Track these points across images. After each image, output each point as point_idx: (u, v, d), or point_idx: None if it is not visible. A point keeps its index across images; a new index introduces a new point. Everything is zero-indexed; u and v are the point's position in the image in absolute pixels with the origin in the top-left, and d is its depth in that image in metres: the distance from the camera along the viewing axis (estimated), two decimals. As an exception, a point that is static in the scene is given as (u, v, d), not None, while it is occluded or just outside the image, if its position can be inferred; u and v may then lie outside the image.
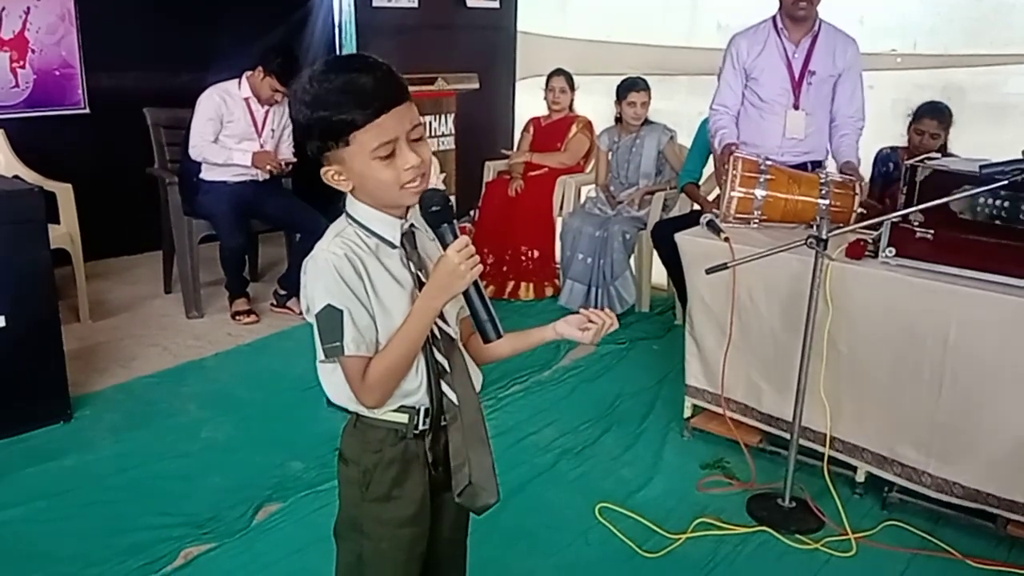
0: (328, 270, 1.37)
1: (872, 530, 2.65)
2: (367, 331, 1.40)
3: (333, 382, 1.47)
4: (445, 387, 1.48)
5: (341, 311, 1.37)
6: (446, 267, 1.37)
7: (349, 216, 1.45)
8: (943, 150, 3.77)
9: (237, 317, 4.29)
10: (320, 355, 1.40)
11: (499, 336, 1.42)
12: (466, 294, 1.40)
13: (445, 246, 1.38)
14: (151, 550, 2.47)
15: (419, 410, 1.48)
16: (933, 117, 3.82)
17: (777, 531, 2.64)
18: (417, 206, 1.41)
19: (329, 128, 1.35)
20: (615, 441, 3.21)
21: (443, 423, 1.49)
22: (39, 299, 3.10)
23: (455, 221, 1.41)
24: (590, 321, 1.55)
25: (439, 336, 1.47)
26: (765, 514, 2.72)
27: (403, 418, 1.48)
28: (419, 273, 1.45)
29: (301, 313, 4.23)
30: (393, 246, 1.44)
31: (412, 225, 1.47)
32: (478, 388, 1.53)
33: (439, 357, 1.47)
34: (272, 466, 2.94)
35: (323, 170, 1.42)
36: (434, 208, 1.39)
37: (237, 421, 3.28)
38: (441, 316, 1.45)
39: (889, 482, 2.76)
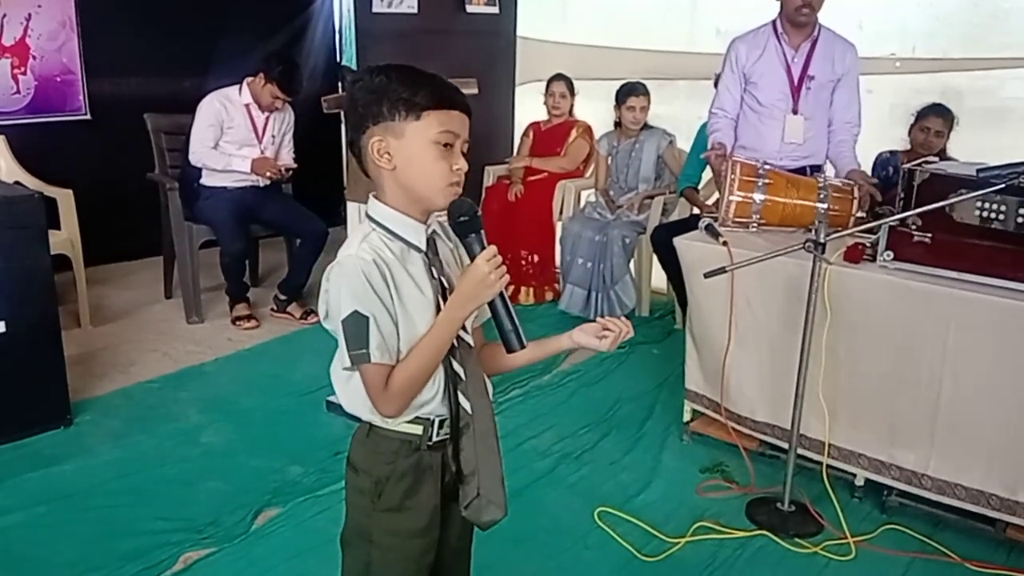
0: (357, 275, 1.36)
1: (872, 534, 2.65)
2: (391, 338, 1.39)
3: (348, 391, 1.46)
4: (460, 396, 1.47)
5: (367, 317, 1.36)
6: (475, 276, 1.37)
7: (372, 220, 1.44)
8: (942, 154, 3.78)
9: (237, 322, 4.30)
10: (345, 362, 1.39)
11: (523, 346, 1.42)
12: (492, 304, 1.40)
13: (472, 256, 1.39)
14: (150, 555, 2.47)
15: (434, 421, 1.47)
16: (938, 115, 3.84)
17: (776, 535, 2.64)
18: (443, 214, 1.42)
19: (406, 99, 1.38)
20: (614, 445, 3.21)
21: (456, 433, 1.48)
22: (39, 304, 3.10)
23: (483, 231, 1.41)
24: (606, 329, 1.54)
25: (457, 345, 1.46)
26: (764, 518, 2.72)
27: (418, 429, 1.48)
28: (441, 279, 1.45)
29: (301, 318, 4.23)
30: (419, 250, 1.44)
31: (435, 231, 1.48)
32: (491, 397, 1.53)
33: (456, 366, 1.47)
34: (271, 471, 2.94)
35: (372, 141, 1.40)
36: (463, 218, 1.40)
37: (237, 426, 3.28)
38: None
39: (888, 485, 2.76)
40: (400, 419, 1.46)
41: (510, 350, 1.43)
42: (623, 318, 1.56)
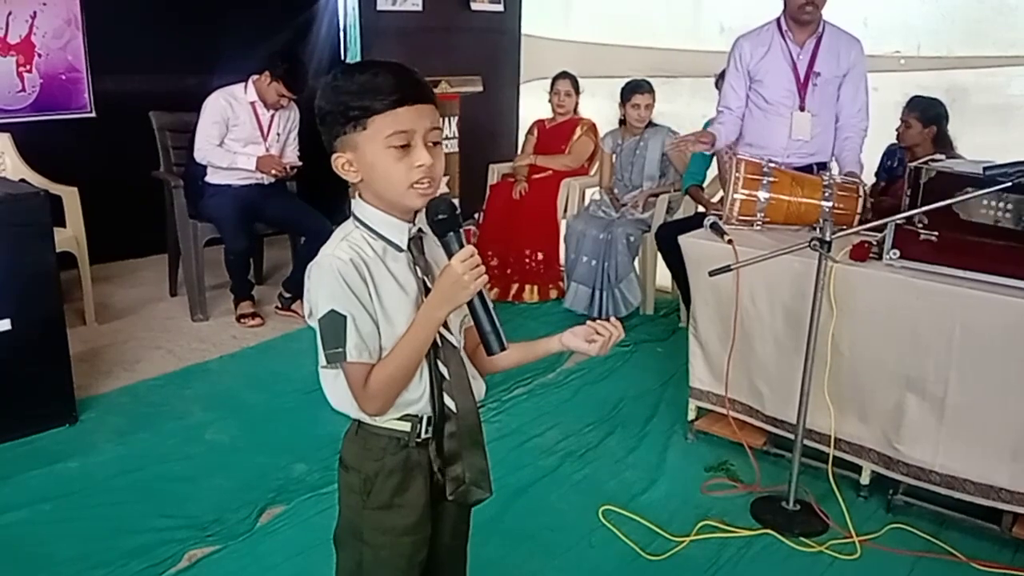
0: (333, 275, 1.36)
1: (877, 533, 2.65)
2: (370, 338, 1.39)
3: (335, 388, 1.47)
4: (444, 395, 1.47)
5: (344, 316, 1.36)
6: (450, 277, 1.36)
7: (356, 219, 1.44)
8: (943, 146, 3.75)
9: (242, 320, 4.30)
10: (322, 360, 1.40)
11: (503, 348, 1.41)
12: (470, 305, 1.39)
13: (450, 255, 1.38)
14: (155, 552, 2.47)
15: (421, 418, 1.47)
16: (913, 109, 3.83)
17: (781, 534, 2.64)
18: (424, 212, 1.42)
19: (348, 110, 1.36)
20: (619, 443, 3.21)
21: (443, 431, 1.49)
22: (45, 302, 3.11)
23: (461, 229, 1.40)
24: (597, 332, 1.53)
25: (440, 344, 1.46)
26: (769, 517, 2.72)
27: (405, 426, 1.48)
28: (426, 279, 1.45)
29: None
30: (400, 250, 1.44)
31: (420, 230, 1.47)
32: (479, 397, 1.52)
33: (440, 365, 1.46)
34: (276, 468, 2.95)
35: (334, 157, 1.41)
36: (440, 216, 1.38)
37: (241, 423, 3.29)
38: (444, 324, 1.44)
39: (894, 484, 2.75)
40: (387, 416, 1.46)
41: (490, 352, 1.42)
42: (613, 320, 1.54)
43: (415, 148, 1.38)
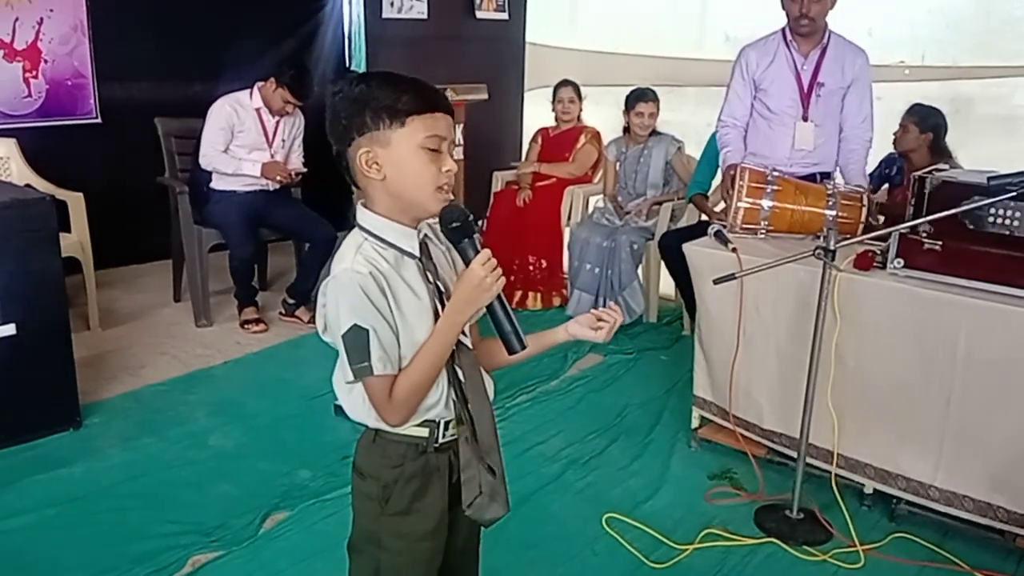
0: (354, 289, 1.36)
1: (880, 542, 2.64)
2: (391, 348, 1.39)
3: (352, 400, 1.47)
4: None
5: (367, 330, 1.36)
6: (472, 280, 1.37)
7: (363, 229, 1.44)
8: (940, 155, 3.75)
9: (246, 326, 4.31)
10: (348, 376, 1.39)
11: (523, 347, 1.43)
12: (490, 307, 1.41)
13: (467, 261, 1.39)
14: (159, 558, 2.48)
15: (439, 423, 1.48)
16: (913, 114, 3.85)
17: (785, 542, 2.63)
18: (434, 220, 1.43)
19: (388, 107, 1.38)
20: (622, 451, 3.21)
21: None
22: (50, 307, 3.12)
23: (475, 235, 1.42)
24: (600, 320, 1.56)
25: (457, 347, 1.46)
26: (773, 525, 2.71)
27: (424, 432, 1.48)
28: (437, 283, 1.45)
29: (309, 322, 4.24)
30: (413, 256, 1.44)
31: (425, 235, 1.48)
32: (491, 397, 1.53)
33: (457, 368, 1.47)
34: (280, 474, 2.95)
35: (359, 153, 1.39)
36: (455, 223, 1.40)
37: (245, 429, 3.29)
38: None
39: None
40: (408, 423, 1.46)
41: (511, 351, 1.44)
42: (613, 305, 1.58)
43: (444, 154, 1.41)
